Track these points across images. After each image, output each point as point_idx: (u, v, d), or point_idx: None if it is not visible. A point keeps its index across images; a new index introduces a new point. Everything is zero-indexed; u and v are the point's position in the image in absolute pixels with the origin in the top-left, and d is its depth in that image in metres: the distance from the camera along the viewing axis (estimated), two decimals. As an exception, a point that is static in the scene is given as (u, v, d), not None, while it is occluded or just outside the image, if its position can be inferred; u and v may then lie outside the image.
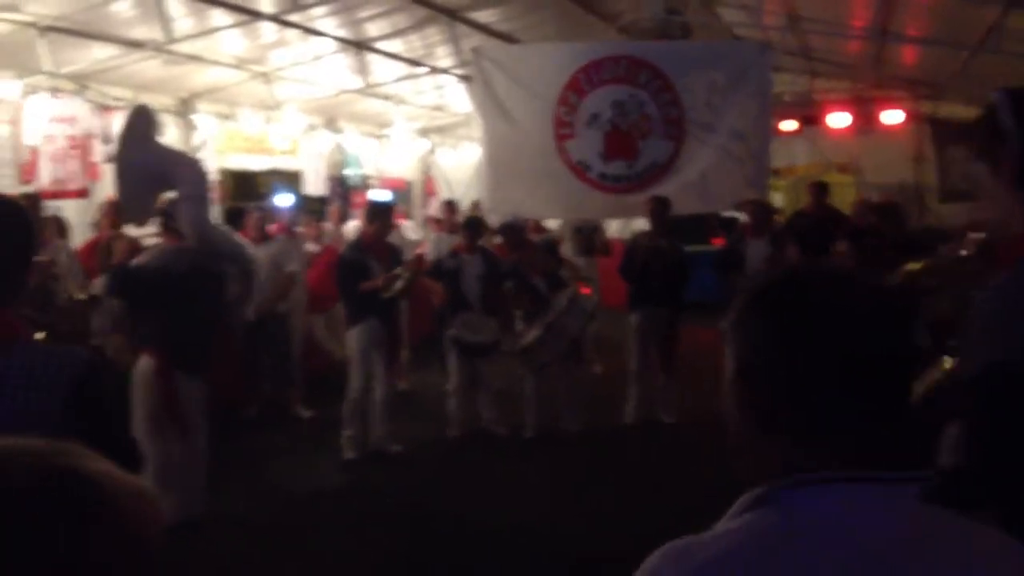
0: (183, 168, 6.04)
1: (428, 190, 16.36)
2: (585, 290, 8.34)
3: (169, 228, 5.87)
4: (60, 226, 8.04)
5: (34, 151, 9.18)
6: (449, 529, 6.08)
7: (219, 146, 11.80)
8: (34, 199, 7.72)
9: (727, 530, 1.16)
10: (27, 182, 8.94)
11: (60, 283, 6.20)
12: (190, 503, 5.99)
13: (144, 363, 5.72)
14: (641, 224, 8.93)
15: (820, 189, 9.90)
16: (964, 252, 2.31)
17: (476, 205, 11.28)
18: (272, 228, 9.48)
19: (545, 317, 7.84)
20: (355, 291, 7.57)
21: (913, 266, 2.76)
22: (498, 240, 9.70)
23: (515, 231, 8.63)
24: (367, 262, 7.61)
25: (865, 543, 1.10)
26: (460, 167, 16.00)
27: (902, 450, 1.16)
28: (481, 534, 5.97)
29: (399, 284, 7.51)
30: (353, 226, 11.28)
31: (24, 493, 0.80)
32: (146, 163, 5.89)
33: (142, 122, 6.00)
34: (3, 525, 0.77)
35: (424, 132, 15.51)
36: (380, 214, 7.96)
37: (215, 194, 11.68)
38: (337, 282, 7.90)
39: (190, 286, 5.70)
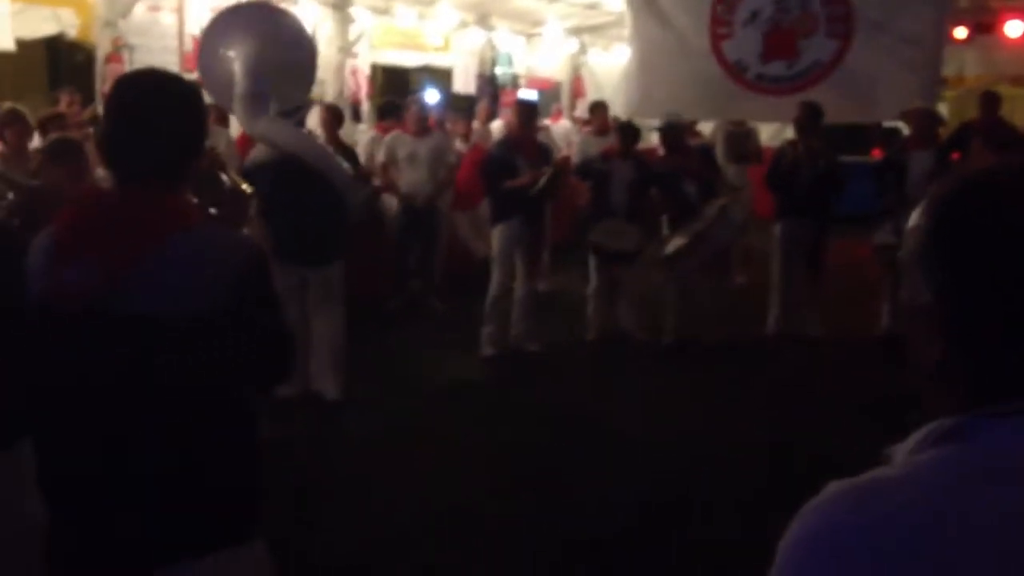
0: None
1: (577, 91, 16.17)
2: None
3: None
4: (221, 114, 8.26)
5: (196, 40, 9.42)
6: (579, 431, 6.13)
7: (374, 41, 11.89)
8: (195, 87, 7.94)
9: (915, 468, 1.04)
10: (189, 70, 9.19)
11: (225, 170, 6.37)
12: (324, 381, 6.39)
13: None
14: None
15: (991, 100, 9.34)
16: None
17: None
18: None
19: (694, 226, 7.69)
20: (500, 189, 7.58)
21: None
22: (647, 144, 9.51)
23: (675, 131, 8.31)
24: (514, 160, 7.57)
25: None
26: (611, 69, 15.72)
27: None
28: (611, 438, 6.00)
29: (542, 182, 7.46)
30: (499, 125, 11.27)
31: None
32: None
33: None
34: None
35: (576, 31, 15.27)
36: (528, 112, 7.91)
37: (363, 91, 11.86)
38: (483, 179, 7.92)
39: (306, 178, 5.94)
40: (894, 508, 0.98)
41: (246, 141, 7.95)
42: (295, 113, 6.32)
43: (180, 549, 2.08)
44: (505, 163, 7.59)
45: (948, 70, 12.04)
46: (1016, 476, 0.98)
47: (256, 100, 6.02)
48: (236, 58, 5.91)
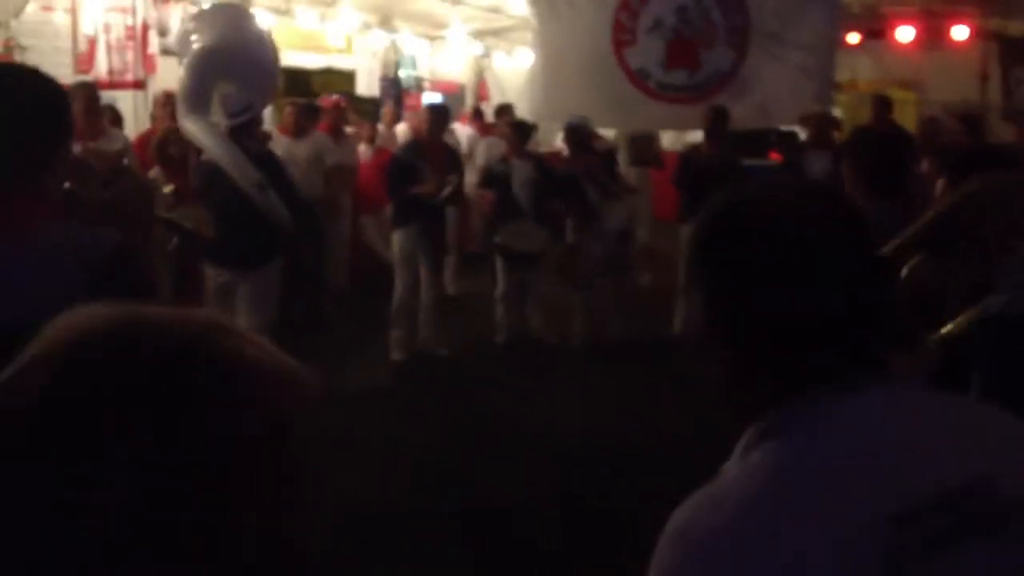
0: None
1: (481, 95, 16.18)
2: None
3: None
4: (115, 115, 8.05)
5: (91, 41, 9.16)
6: (491, 434, 6.14)
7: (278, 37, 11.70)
8: (91, 88, 7.71)
9: (749, 469, 1.14)
10: (83, 72, 8.93)
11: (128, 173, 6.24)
12: None
13: None
14: (696, 136, 8.76)
15: (883, 104, 9.64)
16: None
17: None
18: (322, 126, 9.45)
19: (587, 231, 7.76)
20: (403, 194, 7.54)
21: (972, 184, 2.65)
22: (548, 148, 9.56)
23: (581, 134, 8.40)
24: (419, 165, 7.54)
25: (884, 447, 1.11)
26: (514, 72, 15.76)
27: (885, 349, 1.17)
28: (523, 440, 6.02)
29: (447, 191, 7.44)
30: (403, 128, 11.21)
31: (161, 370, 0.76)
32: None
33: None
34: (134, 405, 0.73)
35: (480, 35, 15.26)
36: (438, 118, 7.88)
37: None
38: (387, 183, 7.88)
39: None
40: (735, 510, 1.08)
41: (144, 143, 7.77)
42: (241, 114, 6.31)
43: None
44: (410, 168, 7.55)
45: (842, 75, 12.39)
46: (831, 450, 1.10)
47: (192, 99, 6.08)
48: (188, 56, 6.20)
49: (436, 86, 14.89)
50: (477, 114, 13.02)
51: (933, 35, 13.73)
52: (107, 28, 9.24)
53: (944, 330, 1.69)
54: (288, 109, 9.14)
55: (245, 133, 6.45)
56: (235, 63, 6.45)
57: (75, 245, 2.08)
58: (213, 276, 6.37)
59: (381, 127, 11.32)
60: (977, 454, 1.13)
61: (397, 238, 7.75)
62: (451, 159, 7.85)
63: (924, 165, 6.52)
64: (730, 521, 1.07)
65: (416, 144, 7.92)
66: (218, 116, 6.38)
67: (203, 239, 6.26)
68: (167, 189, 6.45)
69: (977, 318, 1.73)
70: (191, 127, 6.26)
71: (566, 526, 4.85)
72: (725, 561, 1.05)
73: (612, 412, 6.48)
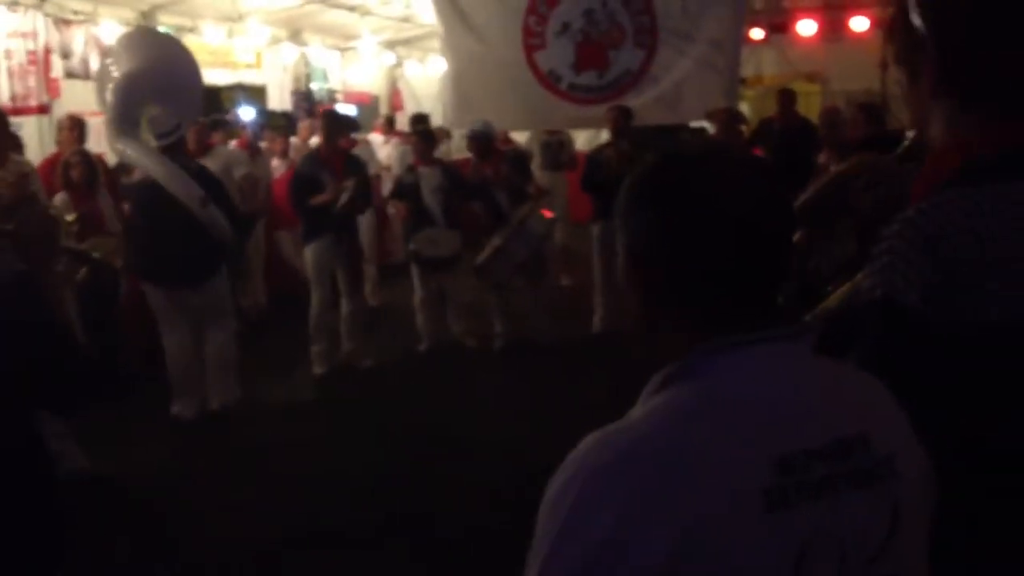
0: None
1: (395, 104, 16.17)
2: (546, 211, 8.25)
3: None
4: (15, 142, 7.89)
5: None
6: (421, 441, 6.15)
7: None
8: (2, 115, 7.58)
9: (644, 413, 1.21)
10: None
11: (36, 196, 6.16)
12: (213, 394, 6.80)
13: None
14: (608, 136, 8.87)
15: (787, 97, 9.88)
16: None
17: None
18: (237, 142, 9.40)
19: (494, 239, 7.82)
20: (307, 206, 7.50)
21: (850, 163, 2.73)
22: (460, 155, 9.61)
23: (484, 139, 8.46)
24: (320, 176, 7.50)
25: (777, 397, 1.19)
26: (428, 80, 15.79)
27: (788, 313, 1.27)
28: (452, 444, 6.05)
29: (344, 197, 7.40)
30: (315, 141, 11.16)
31: None
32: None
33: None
34: None
35: (390, 45, 15.26)
36: (332, 125, 7.86)
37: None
38: (290, 197, 7.84)
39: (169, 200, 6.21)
40: (626, 448, 1.15)
41: (49, 168, 7.63)
42: (171, 134, 6.41)
43: None
44: (311, 179, 7.53)
45: (747, 70, 12.66)
46: (724, 400, 1.17)
47: (122, 121, 6.13)
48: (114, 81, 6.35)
49: (349, 97, 14.84)
50: (389, 123, 12.99)
51: (834, 27, 14.07)
52: (8, 54, 9.08)
53: (820, 307, 1.77)
54: (192, 127, 9.06)
55: (178, 151, 6.52)
56: (161, 85, 6.51)
57: None
58: (156, 296, 6.50)
59: (296, 140, 11.25)
60: (857, 414, 1.23)
61: (309, 252, 7.72)
62: (352, 166, 7.77)
63: (823, 156, 6.70)
64: (623, 455, 1.15)
65: (315, 155, 7.88)
66: (147, 137, 6.40)
67: (112, 269, 6.25)
68: (70, 217, 6.38)
69: (849, 298, 1.80)
70: (126, 149, 6.31)
71: (499, 528, 4.88)
72: (611, 492, 1.12)
73: (538, 412, 6.53)
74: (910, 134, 2.10)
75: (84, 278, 6.02)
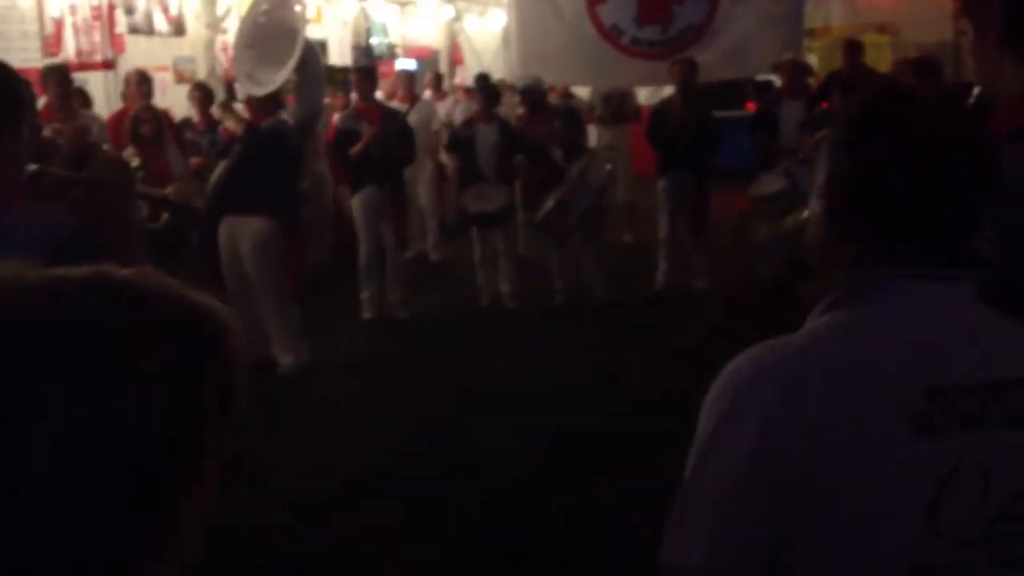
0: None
1: (455, 59, 16.09)
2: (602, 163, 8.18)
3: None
4: (84, 97, 8.00)
5: (58, 23, 9.08)
6: (474, 394, 6.18)
7: (243, 13, 11.60)
8: (62, 70, 7.67)
9: (807, 330, 1.29)
10: (52, 54, 8.86)
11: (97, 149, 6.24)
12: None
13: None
14: (672, 90, 8.74)
15: (854, 49, 9.61)
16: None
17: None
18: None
19: (555, 192, 7.76)
20: (348, 158, 7.63)
21: None
22: (520, 111, 9.53)
23: (535, 94, 8.42)
24: (359, 129, 7.61)
25: (937, 330, 1.24)
26: (488, 34, 15.71)
27: (964, 261, 1.28)
28: (505, 398, 6.06)
29: (374, 141, 7.49)
30: (379, 96, 11.14)
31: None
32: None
33: None
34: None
35: (450, -2, 15.19)
36: (366, 79, 7.91)
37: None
38: (333, 152, 8.00)
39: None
40: (785, 356, 1.25)
41: (117, 123, 7.73)
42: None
43: None
44: (350, 134, 7.64)
45: (814, 22, 12.40)
46: (880, 326, 1.24)
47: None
48: None
49: (409, 52, 14.79)
50: (438, 81, 12.71)
51: (906, -23, 13.71)
52: (73, 9, 9.16)
53: None
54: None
55: None
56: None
57: (37, 223, 2.10)
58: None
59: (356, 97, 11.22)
60: (1017, 359, 1.26)
61: (355, 203, 7.88)
62: (388, 118, 7.83)
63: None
64: (778, 364, 1.24)
65: (354, 110, 7.95)
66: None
67: (194, 211, 6.30)
68: (134, 163, 6.45)
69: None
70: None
71: (548, 479, 4.89)
72: (775, 391, 1.21)
73: (593, 368, 6.51)
74: (976, 91, 2.04)
75: (166, 223, 6.05)
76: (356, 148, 7.56)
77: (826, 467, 1.17)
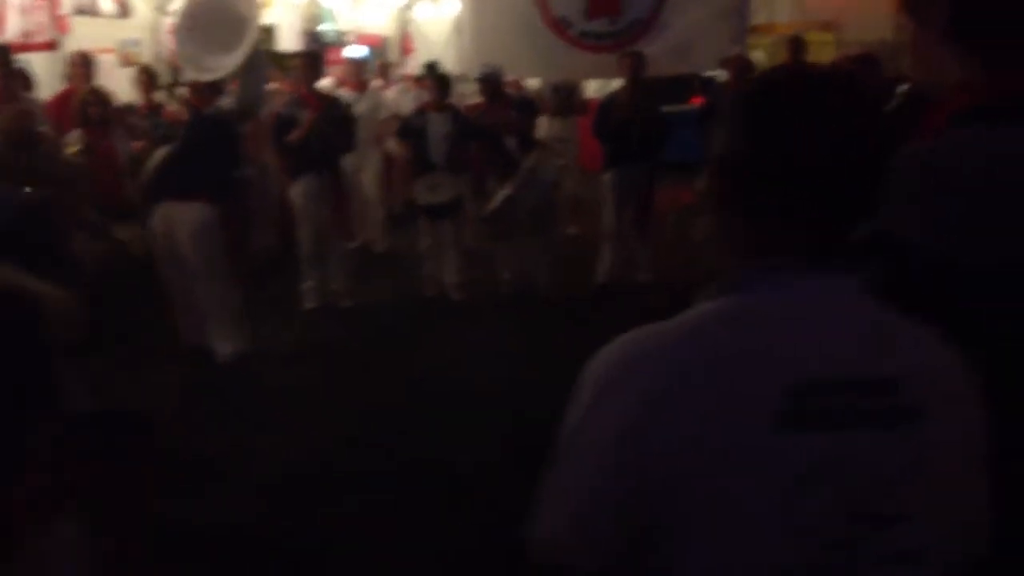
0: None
1: (405, 47, 16.04)
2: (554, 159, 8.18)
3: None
4: (26, 79, 7.88)
5: (2, 3, 8.93)
6: (421, 385, 6.21)
7: None
8: (4, 51, 7.57)
9: (686, 315, 1.27)
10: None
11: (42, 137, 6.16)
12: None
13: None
14: (620, 83, 8.80)
15: (796, 45, 9.75)
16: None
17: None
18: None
19: (504, 189, 7.78)
20: (287, 146, 7.59)
21: None
22: (470, 102, 9.54)
23: (494, 82, 8.38)
24: (299, 116, 7.55)
25: (812, 325, 1.22)
26: (439, 23, 15.65)
27: (853, 249, 1.27)
28: (453, 389, 6.11)
29: (312, 127, 7.46)
30: (328, 83, 11.10)
31: None
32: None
33: None
34: None
35: (401, -15, 15.13)
36: (310, 65, 7.85)
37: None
38: (272, 139, 7.92)
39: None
40: (659, 342, 1.24)
41: (60, 104, 7.63)
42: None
43: None
44: (289, 121, 7.58)
45: (759, 18, 12.54)
46: (759, 315, 1.23)
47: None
48: None
49: (359, 39, 14.71)
50: (384, 69, 12.63)
51: (850, -24, 13.89)
52: (16, -11, 9.02)
53: None
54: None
55: None
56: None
57: None
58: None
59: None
60: (896, 357, 1.24)
61: (294, 192, 7.82)
62: (329, 106, 7.77)
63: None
64: (666, 345, 1.23)
65: (294, 97, 7.89)
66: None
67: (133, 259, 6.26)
68: (73, 149, 6.40)
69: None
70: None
71: (516, 475, 4.92)
72: (640, 379, 1.20)
73: (539, 360, 6.55)
74: (901, 89, 2.11)
75: (100, 258, 5.96)
76: (294, 135, 7.51)
77: (693, 453, 1.16)
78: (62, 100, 7.83)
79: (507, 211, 7.78)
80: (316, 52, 9.06)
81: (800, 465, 1.17)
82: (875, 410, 1.20)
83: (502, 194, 7.74)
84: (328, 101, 7.88)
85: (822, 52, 11.99)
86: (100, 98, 7.10)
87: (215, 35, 6.60)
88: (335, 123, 7.66)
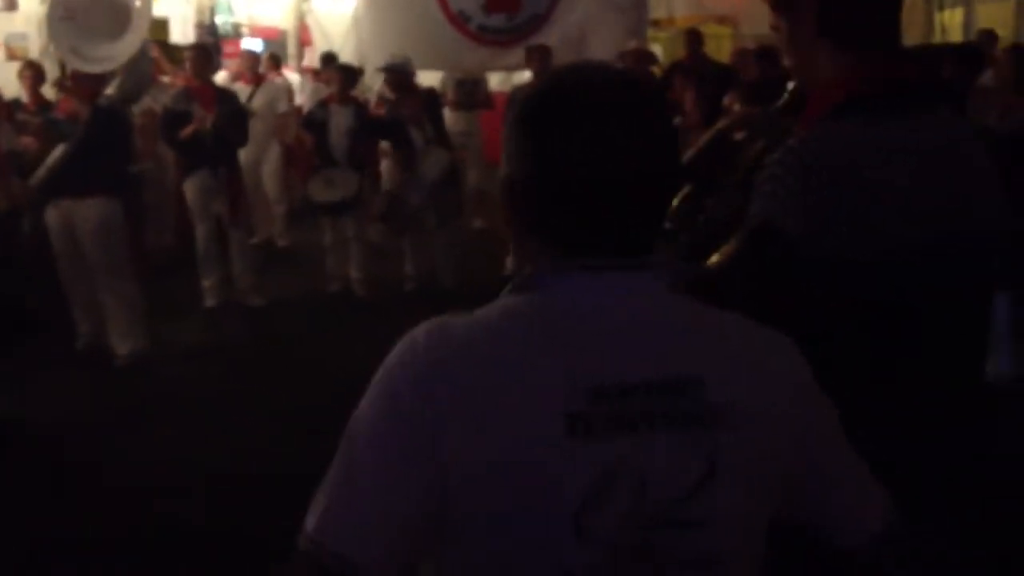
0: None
1: (303, 40, 15.78)
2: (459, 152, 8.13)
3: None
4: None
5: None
6: (327, 381, 6.11)
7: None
8: None
9: (490, 309, 1.24)
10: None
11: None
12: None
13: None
14: (524, 77, 8.83)
15: (694, 39, 9.89)
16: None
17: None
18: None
19: (389, 188, 7.78)
20: (179, 141, 7.45)
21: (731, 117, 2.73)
22: (373, 96, 9.44)
23: (403, 75, 8.23)
24: (191, 111, 7.41)
25: (608, 324, 1.18)
26: (337, 16, 15.42)
27: (650, 247, 1.24)
28: (358, 385, 6.00)
29: (208, 123, 7.35)
30: (223, 76, 10.87)
31: None
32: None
33: None
34: None
35: (298, -23, 14.88)
36: (202, 58, 7.75)
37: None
38: (162, 133, 7.76)
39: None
40: (458, 336, 1.19)
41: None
42: None
43: None
44: (180, 114, 7.44)
45: (658, 12, 12.68)
46: (554, 313, 1.19)
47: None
48: None
49: (256, 32, 14.45)
50: (275, 61, 12.29)
51: (746, -30, 14.12)
52: None
53: (708, 262, 1.77)
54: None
55: None
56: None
57: None
58: None
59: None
60: (698, 356, 1.20)
61: (188, 187, 7.68)
62: (223, 100, 7.66)
63: (727, 99, 6.73)
64: (446, 346, 1.18)
65: (185, 90, 7.74)
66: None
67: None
68: None
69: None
70: None
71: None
72: (429, 376, 1.15)
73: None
74: (791, 85, 2.15)
75: None
76: (187, 131, 7.35)
77: (486, 456, 1.12)
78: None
79: (394, 209, 7.74)
80: (208, 45, 8.89)
81: (593, 472, 1.13)
82: (672, 411, 1.17)
83: (385, 193, 7.71)
84: (222, 95, 7.73)
85: (719, 45, 12.18)
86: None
87: (93, 22, 6.39)
88: (230, 117, 7.53)
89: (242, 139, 7.84)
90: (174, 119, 7.44)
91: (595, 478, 1.13)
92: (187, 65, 7.94)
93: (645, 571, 1.17)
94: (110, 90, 6.52)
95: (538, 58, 8.36)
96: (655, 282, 1.22)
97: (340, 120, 7.95)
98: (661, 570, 1.17)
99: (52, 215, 6.30)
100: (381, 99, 9.01)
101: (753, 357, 1.24)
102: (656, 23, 12.34)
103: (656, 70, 9.59)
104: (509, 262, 8.57)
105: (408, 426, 1.14)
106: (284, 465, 4.95)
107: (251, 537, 4.24)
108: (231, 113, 7.57)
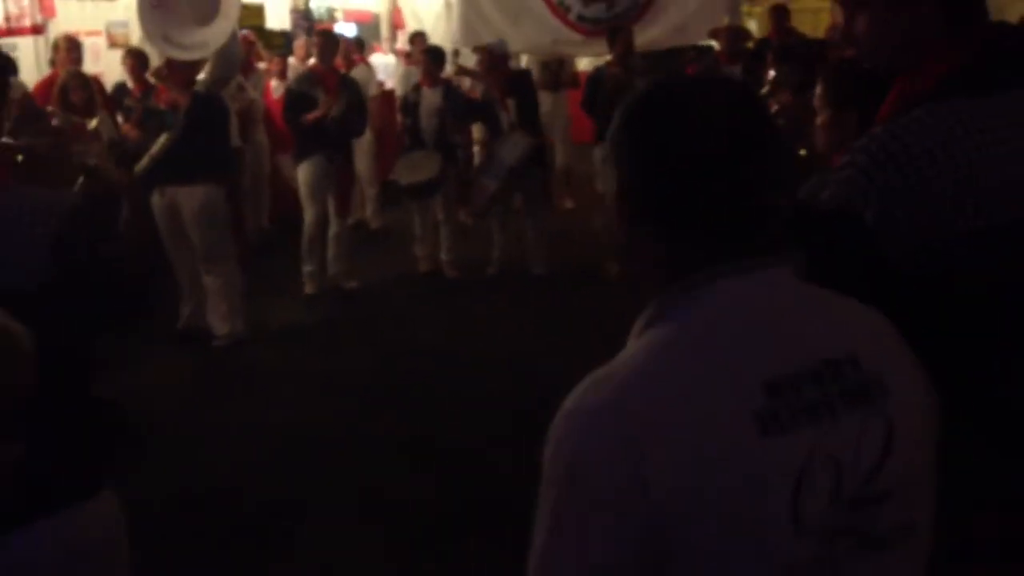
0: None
1: (396, 23, 15.89)
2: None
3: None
4: (11, 65, 7.79)
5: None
6: (415, 360, 6.23)
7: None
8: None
9: (630, 354, 1.23)
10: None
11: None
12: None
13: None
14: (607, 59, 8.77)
15: (779, 13, 9.63)
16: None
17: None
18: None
19: (474, 171, 7.80)
20: (301, 124, 7.47)
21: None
22: (467, 82, 9.45)
23: (500, 57, 8.14)
24: (315, 95, 7.45)
25: (760, 324, 1.21)
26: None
27: (773, 240, 1.25)
28: (447, 364, 6.13)
29: (335, 110, 7.38)
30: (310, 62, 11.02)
31: None
32: None
33: None
34: None
35: (391, -40, 14.97)
36: (328, 44, 7.78)
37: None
38: (284, 115, 7.80)
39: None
40: (619, 384, 1.18)
41: (44, 89, 7.56)
42: None
43: (32, 510, 1.94)
44: (305, 98, 7.48)
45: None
46: (709, 330, 1.20)
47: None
48: None
49: (349, 16, 14.59)
50: (359, 45, 12.35)
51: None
52: (1, -27, 8.92)
53: None
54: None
55: None
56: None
57: (38, 207, 2.06)
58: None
59: (293, 61, 11.07)
60: (844, 335, 1.25)
61: (300, 172, 7.69)
62: (346, 85, 7.70)
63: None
64: (616, 394, 1.17)
65: (310, 74, 7.79)
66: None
67: (111, 176, 6.19)
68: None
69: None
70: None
71: (499, 440, 4.92)
72: (610, 430, 1.15)
73: (532, 334, 6.58)
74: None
75: (82, 188, 5.91)
76: (313, 115, 7.38)
77: (684, 488, 1.12)
78: (45, 85, 7.73)
79: (473, 192, 7.78)
80: (332, 31, 9.00)
81: (794, 464, 1.16)
82: (845, 390, 1.20)
83: (465, 176, 7.80)
84: (346, 82, 7.79)
85: (817, 20, 11.88)
86: (83, 82, 7.01)
87: (182, 9, 6.48)
88: (353, 105, 7.57)
89: (362, 129, 7.93)
90: (300, 101, 7.49)
91: (798, 468, 1.16)
92: (314, 51, 7.98)
93: (855, 552, 1.20)
94: (202, 75, 6.63)
95: (616, 38, 8.29)
96: (786, 276, 1.25)
97: (430, 102, 7.98)
98: (870, 548, 1.21)
99: (157, 200, 6.44)
100: (461, 73, 9.02)
101: (880, 330, 1.30)
102: (751, -1, 12.11)
103: (750, 46, 9.40)
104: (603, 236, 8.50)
105: (612, 489, 1.15)
106: (373, 439, 5.06)
107: (350, 504, 4.40)
108: (356, 103, 7.62)
